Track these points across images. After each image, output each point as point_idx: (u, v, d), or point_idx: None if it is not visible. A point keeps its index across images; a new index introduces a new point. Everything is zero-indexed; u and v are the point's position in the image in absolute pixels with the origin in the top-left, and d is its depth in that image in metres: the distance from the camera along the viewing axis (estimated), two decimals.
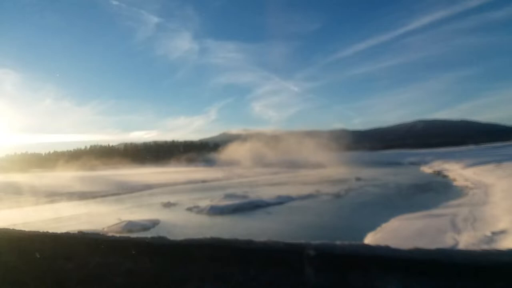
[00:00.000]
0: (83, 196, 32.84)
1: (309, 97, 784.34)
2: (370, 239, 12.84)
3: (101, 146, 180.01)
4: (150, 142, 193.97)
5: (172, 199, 27.86)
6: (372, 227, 14.67)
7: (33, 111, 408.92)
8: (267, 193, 28.87)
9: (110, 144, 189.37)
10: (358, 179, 39.28)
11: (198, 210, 21.39)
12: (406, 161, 79.83)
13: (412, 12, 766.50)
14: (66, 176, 54.07)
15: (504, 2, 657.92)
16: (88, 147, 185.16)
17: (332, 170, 59.19)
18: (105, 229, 16.53)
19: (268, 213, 20.19)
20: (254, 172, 61.89)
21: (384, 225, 14.76)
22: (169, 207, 24.49)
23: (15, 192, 35.79)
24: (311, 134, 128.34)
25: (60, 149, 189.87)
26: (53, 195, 33.34)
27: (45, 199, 30.49)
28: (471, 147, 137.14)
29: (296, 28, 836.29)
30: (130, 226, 16.77)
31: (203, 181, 47.81)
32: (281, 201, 23.80)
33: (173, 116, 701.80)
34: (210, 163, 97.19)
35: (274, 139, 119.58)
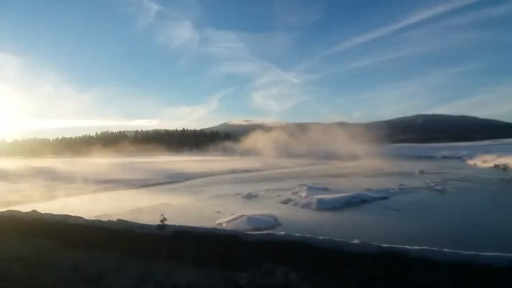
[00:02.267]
0: (136, 184, 30.15)
1: (309, 89, 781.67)
2: None
3: (111, 133, 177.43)
4: (160, 130, 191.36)
5: (243, 189, 25.23)
6: None
7: (34, 97, 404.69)
8: (346, 186, 26.24)
9: (117, 131, 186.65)
10: (422, 172, 36.55)
11: (303, 204, 18.63)
12: (439, 154, 77.17)
13: (412, 6, 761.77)
14: (98, 163, 51.34)
15: None
16: (94, 133, 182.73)
17: (372, 162, 56.48)
18: (227, 225, 13.80)
19: (394, 209, 17.11)
20: (289, 162, 59.15)
21: None
22: (253, 199, 21.79)
23: (59, 178, 33.12)
24: (329, 126, 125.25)
25: (65, 135, 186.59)
26: (103, 182, 30.67)
27: (99, 187, 27.77)
28: (487, 142, 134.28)
29: (297, 19, 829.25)
30: (255, 222, 14.05)
31: (247, 171, 45.22)
32: (384, 195, 21.04)
33: (174, 105, 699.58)
34: (231, 152, 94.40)
35: (292, 130, 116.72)
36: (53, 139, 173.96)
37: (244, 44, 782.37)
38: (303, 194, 22.10)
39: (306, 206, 18.34)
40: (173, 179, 34.28)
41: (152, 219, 15.79)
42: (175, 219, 15.73)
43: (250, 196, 22.34)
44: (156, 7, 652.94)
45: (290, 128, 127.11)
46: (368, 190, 23.32)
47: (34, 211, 7.57)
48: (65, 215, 7.31)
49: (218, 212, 17.15)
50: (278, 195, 22.68)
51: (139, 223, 6.30)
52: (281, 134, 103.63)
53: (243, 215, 14.89)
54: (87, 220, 7.02)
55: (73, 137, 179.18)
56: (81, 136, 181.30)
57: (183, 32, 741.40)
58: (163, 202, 20.42)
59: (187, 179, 34.89)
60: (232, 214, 15.40)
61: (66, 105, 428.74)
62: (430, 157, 72.25)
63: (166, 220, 5.84)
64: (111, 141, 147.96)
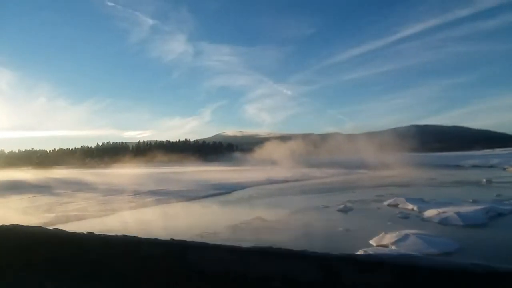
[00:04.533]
0: (187, 195, 26.63)
1: (302, 101, 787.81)
2: None
3: (112, 143, 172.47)
4: (162, 141, 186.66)
5: (322, 201, 21.95)
6: None
7: (27, 110, 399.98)
8: (436, 197, 22.91)
9: (119, 142, 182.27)
10: (489, 181, 33.40)
11: (439, 220, 15.21)
12: (466, 163, 74.27)
13: (406, 20, 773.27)
14: (123, 174, 47.52)
15: (495, 12, 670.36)
16: (94, 144, 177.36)
17: (409, 171, 53.25)
18: (398, 247, 10.33)
19: None
20: (319, 172, 55.63)
21: None
22: (351, 212, 18.38)
23: (100, 190, 29.44)
24: (347, 136, 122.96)
25: (58, 146, 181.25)
26: (150, 194, 27.15)
27: (151, 199, 24.16)
28: (497, 151, 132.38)
29: (291, 33, 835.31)
30: (434, 245, 10.62)
31: (285, 181, 41.86)
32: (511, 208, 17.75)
33: (167, 116, 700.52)
34: (245, 162, 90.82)
35: (304, 140, 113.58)
36: (50, 150, 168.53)
37: (238, 58, 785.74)
38: (410, 206, 18.80)
39: (444, 222, 14.93)
40: (220, 190, 30.77)
41: (278, 240, 12.34)
42: (309, 239, 12.27)
43: (346, 209, 18.92)
44: (150, 21, 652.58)
45: (302, 138, 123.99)
46: (474, 201, 20.01)
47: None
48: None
49: (348, 230, 13.71)
50: (378, 208, 19.44)
51: None
52: (295, 144, 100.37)
53: (407, 235, 11.44)
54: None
55: (70, 148, 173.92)
56: (79, 147, 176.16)
57: (177, 46, 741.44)
58: (255, 216, 16.89)
59: (234, 190, 31.46)
60: (387, 233, 11.90)
61: (60, 118, 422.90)
62: (458, 166, 69.26)
63: None
64: (113, 152, 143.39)
